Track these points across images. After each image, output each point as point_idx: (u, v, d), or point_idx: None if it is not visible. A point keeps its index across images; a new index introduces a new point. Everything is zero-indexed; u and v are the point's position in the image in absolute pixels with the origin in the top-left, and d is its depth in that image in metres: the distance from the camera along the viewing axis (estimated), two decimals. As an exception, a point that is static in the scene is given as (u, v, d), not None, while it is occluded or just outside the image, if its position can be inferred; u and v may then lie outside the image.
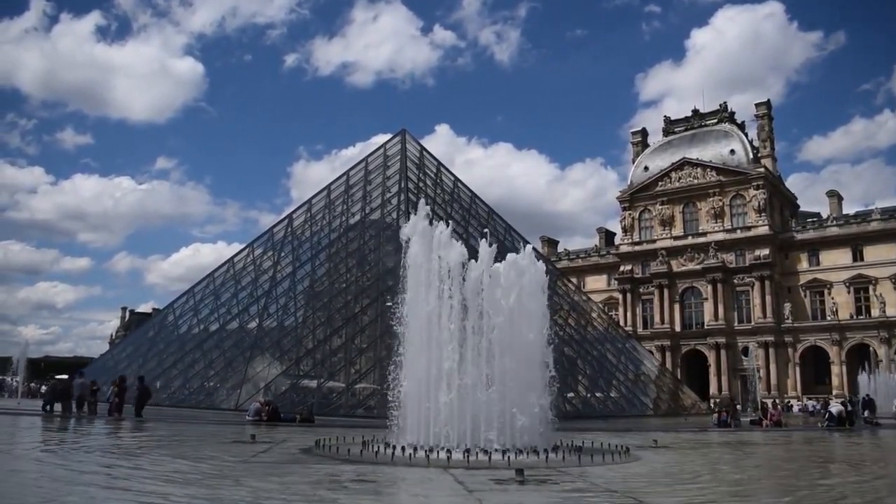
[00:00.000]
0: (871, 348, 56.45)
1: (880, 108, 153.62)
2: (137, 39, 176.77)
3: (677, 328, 66.43)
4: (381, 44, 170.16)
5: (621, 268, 70.91)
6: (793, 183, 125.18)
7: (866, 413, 32.50)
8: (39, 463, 9.95)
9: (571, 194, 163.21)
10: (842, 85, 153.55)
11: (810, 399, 53.88)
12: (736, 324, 64.01)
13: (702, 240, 66.37)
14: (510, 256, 13.82)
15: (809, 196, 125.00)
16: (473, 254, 13.78)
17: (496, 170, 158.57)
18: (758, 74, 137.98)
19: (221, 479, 8.62)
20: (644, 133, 78.21)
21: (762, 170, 65.39)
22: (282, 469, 9.74)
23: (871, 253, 60.71)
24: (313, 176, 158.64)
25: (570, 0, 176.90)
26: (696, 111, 75.18)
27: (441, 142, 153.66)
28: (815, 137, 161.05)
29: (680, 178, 69.32)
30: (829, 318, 60.53)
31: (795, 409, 52.13)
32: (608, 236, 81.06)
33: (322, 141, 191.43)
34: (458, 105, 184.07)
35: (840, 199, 69.20)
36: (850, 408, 29.35)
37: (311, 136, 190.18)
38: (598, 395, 35.35)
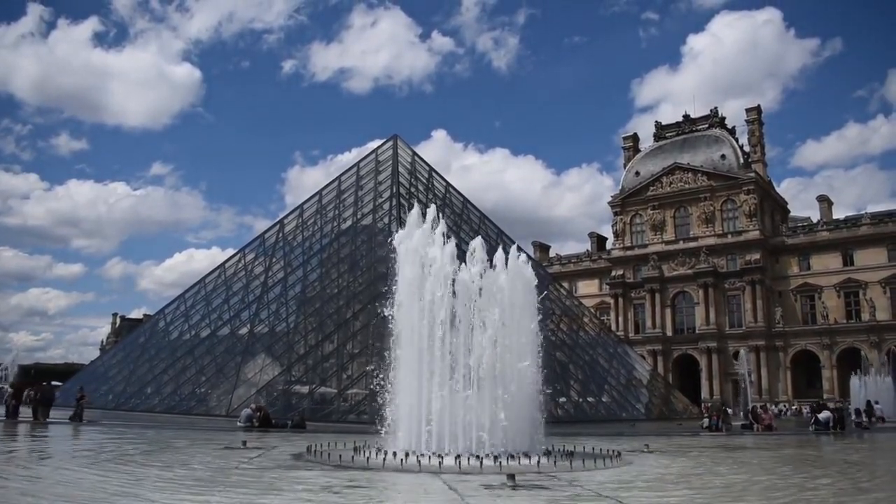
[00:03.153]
0: (861, 352, 56.70)
1: (874, 113, 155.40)
2: (135, 45, 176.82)
3: (669, 333, 66.57)
4: (378, 49, 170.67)
5: (613, 272, 71.08)
6: (787, 187, 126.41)
7: (855, 417, 32.80)
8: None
9: (567, 199, 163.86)
10: (837, 90, 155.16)
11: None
12: (727, 328, 64.26)
13: (693, 244, 66.61)
14: (500, 260, 13.80)
15: (803, 200, 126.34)
16: (464, 259, 13.79)
17: (492, 175, 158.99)
18: (754, 80, 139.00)
19: (212, 486, 8.59)
20: (635, 138, 78.60)
21: (753, 175, 65.77)
22: (272, 475, 9.71)
23: (862, 257, 61.17)
24: (308, 181, 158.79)
25: (568, 7, 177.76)
26: (687, 116, 75.47)
27: (437, 147, 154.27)
28: (809, 142, 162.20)
29: (671, 183, 69.62)
30: (819, 322, 60.90)
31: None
32: (600, 241, 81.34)
33: (318, 146, 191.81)
34: (455, 111, 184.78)
35: (830, 203, 69.69)
36: (839, 413, 29.51)
37: (307, 142, 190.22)
38: (589, 399, 35.43)
